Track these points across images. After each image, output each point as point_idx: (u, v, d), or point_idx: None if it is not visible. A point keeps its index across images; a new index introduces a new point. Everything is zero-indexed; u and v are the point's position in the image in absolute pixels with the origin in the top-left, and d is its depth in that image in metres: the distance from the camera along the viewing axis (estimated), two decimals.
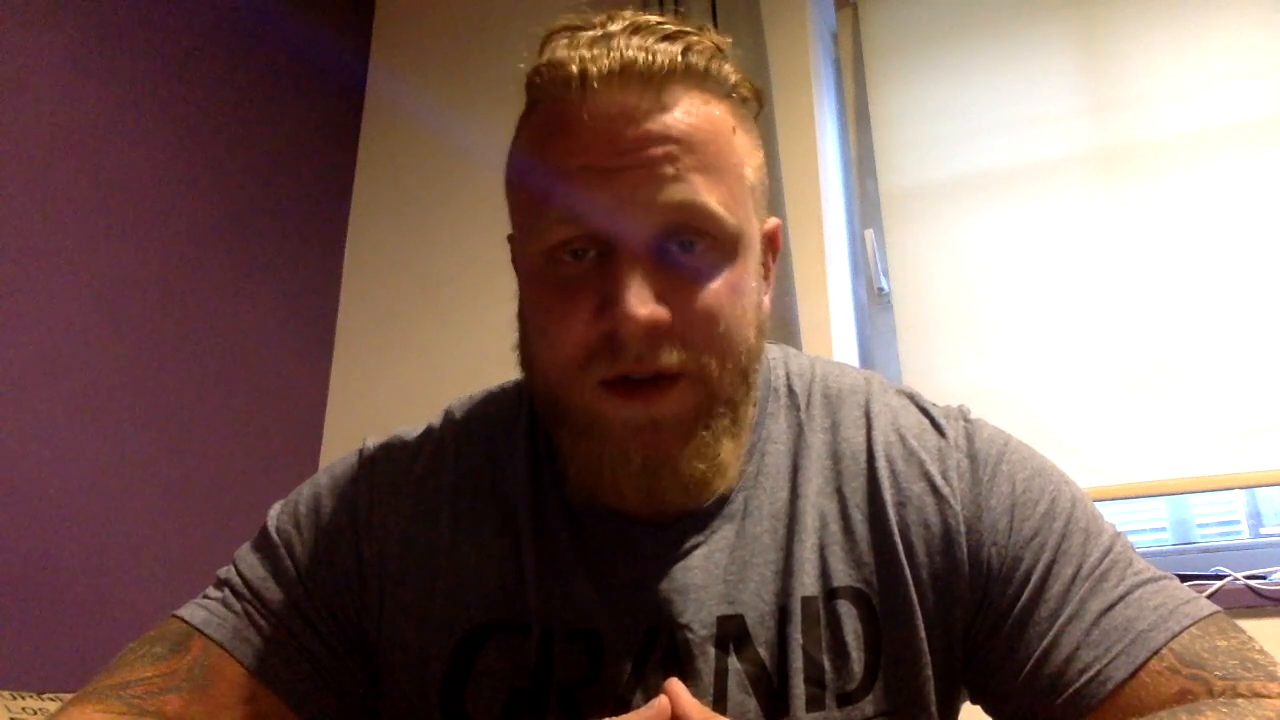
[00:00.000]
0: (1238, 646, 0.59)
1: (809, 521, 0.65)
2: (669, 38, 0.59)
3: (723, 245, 0.60)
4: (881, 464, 0.67)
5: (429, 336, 2.04)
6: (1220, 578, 1.41)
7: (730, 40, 0.65)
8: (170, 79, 1.80)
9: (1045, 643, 0.61)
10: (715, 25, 1.76)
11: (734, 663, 0.62)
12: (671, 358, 0.58)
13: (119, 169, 1.67)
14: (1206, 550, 1.61)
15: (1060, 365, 1.67)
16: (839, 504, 0.66)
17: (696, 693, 0.58)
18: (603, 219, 0.58)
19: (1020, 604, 0.62)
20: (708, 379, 0.60)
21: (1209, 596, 1.02)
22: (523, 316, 0.65)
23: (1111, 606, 0.60)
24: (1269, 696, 0.56)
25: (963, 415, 0.71)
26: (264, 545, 0.70)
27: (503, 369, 0.72)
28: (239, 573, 0.69)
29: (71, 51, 1.62)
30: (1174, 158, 1.70)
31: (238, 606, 0.67)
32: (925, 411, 0.70)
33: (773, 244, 0.69)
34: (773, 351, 0.74)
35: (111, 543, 1.55)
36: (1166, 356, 1.61)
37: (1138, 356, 1.63)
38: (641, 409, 0.59)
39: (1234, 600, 1.39)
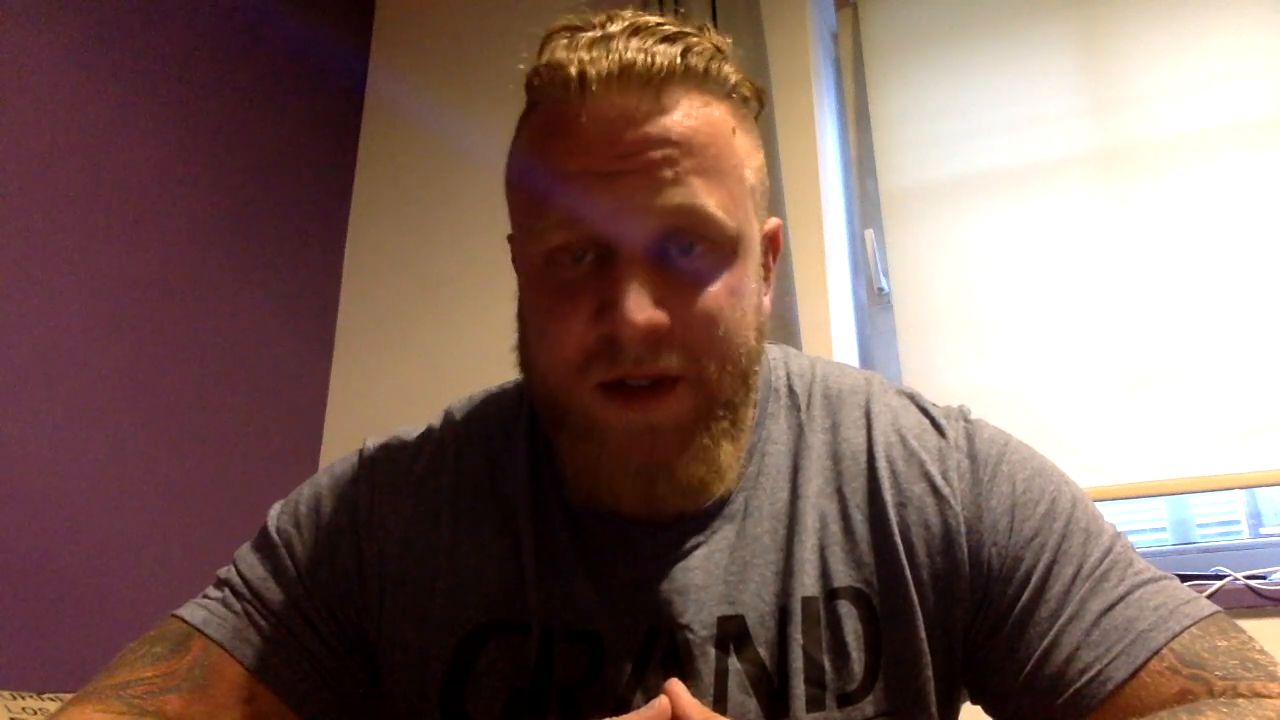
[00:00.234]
0: (1238, 646, 0.59)
1: (809, 522, 0.65)
2: (668, 39, 0.59)
3: (722, 248, 0.60)
4: (882, 464, 0.67)
5: (429, 336, 2.04)
6: (1220, 578, 1.41)
7: (730, 40, 0.64)
8: (170, 79, 1.80)
9: (1045, 643, 0.61)
10: (715, 25, 1.76)
11: (734, 663, 0.62)
12: (670, 361, 0.58)
13: (119, 169, 1.67)
14: (1206, 550, 1.61)
15: (1060, 365, 1.67)
16: (839, 504, 0.66)
17: (697, 693, 0.58)
18: (602, 223, 0.58)
19: (1020, 604, 0.62)
20: (707, 383, 0.60)
21: (1209, 596, 1.02)
22: (522, 318, 0.65)
23: (1112, 607, 0.60)
24: (1269, 696, 0.56)
25: (963, 416, 0.71)
26: (264, 545, 0.70)
27: (503, 369, 0.72)
28: (239, 573, 0.69)
29: (71, 51, 1.62)
30: (1174, 158, 1.70)
31: (238, 606, 0.67)
32: (925, 412, 0.70)
33: (773, 244, 0.69)
34: (773, 352, 0.74)
35: (111, 543, 1.55)
36: (1166, 357, 1.61)
37: (1137, 357, 1.63)
38: (640, 415, 0.59)
39: (1234, 600, 1.39)
